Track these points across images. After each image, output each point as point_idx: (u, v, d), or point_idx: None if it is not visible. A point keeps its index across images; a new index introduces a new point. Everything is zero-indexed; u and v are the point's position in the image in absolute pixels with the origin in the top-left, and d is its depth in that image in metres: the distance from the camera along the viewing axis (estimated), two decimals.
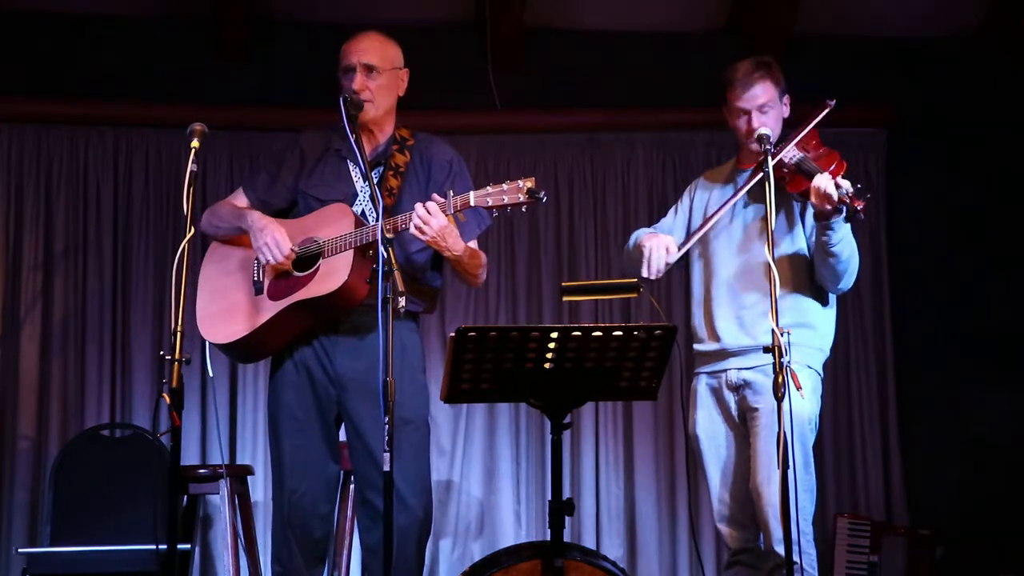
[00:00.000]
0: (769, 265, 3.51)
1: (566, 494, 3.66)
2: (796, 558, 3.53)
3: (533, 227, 6.21)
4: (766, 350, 3.44)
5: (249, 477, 5.21)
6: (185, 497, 5.02)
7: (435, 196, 3.65)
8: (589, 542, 5.94)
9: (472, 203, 3.59)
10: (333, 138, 3.93)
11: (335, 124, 3.95)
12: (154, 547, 3.61)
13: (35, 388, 5.85)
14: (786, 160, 3.88)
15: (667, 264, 3.89)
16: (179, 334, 3.35)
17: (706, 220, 3.97)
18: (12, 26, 6.05)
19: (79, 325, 5.92)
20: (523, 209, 3.61)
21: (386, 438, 3.24)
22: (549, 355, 3.43)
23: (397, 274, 3.31)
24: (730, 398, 3.97)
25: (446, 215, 3.59)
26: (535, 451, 6.08)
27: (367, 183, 3.82)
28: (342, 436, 3.89)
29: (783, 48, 6.29)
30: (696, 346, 4.10)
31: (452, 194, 3.62)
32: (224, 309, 3.80)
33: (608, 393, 3.74)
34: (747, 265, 3.95)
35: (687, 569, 6.02)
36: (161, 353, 3.37)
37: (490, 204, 3.58)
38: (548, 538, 3.54)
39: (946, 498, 5.93)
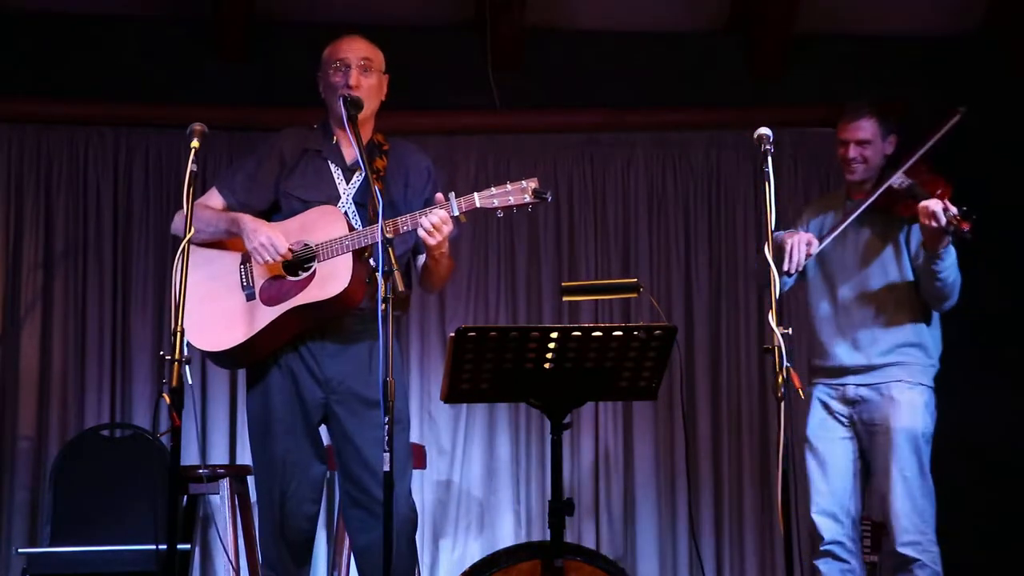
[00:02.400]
0: (888, 287, 4.15)
1: (566, 494, 3.66)
2: (919, 555, 4.08)
3: (533, 227, 6.21)
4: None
5: (249, 477, 5.20)
6: (185, 497, 5.02)
7: (439, 197, 3.65)
8: (589, 542, 5.94)
9: (477, 204, 3.60)
10: (311, 138, 3.90)
11: (311, 124, 3.95)
12: (154, 547, 3.60)
13: (35, 388, 5.85)
14: (895, 185, 4.16)
15: (808, 257, 4.16)
16: (179, 334, 3.33)
17: (835, 227, 4.22)
18: (12, 26, 6.05)
19: (79, 325, 5.92)
20: (529, 209, 3.62)
21: (386, 438, 3.23)
22: (549, 355, 3.43)
23: (397, 274, 3.30)
24: (843, 409, 4.25)
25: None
26: (535, 451, 6.08)
27: (350, 185, 3.82)
28: (325, 440, 3.87)
29: (783, 48, 6.30)
30: (815, 360, 4.39)
31: (454, 195, 3.62)
32: (214, 316, 3.74)
33: (608, 393, 3.75)
34: (862, 286, 4.25)
35: (687, 569, 6.02)
36: (161, 353, 3.36)
37: (496, 205, 3.58)
38: (548, 538, 3.55)
39: (946, 499, 5.91)
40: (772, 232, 3.56)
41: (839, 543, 4.16)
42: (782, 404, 3.38)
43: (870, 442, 4.20)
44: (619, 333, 3.43)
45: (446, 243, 3.68)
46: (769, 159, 3.61)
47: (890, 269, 4.22)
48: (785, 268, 4.08)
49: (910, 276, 4.22)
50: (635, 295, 5.67)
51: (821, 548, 4.17)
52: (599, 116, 6.28)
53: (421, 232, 3.61)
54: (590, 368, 3.48)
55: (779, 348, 3.41)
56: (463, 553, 5.98)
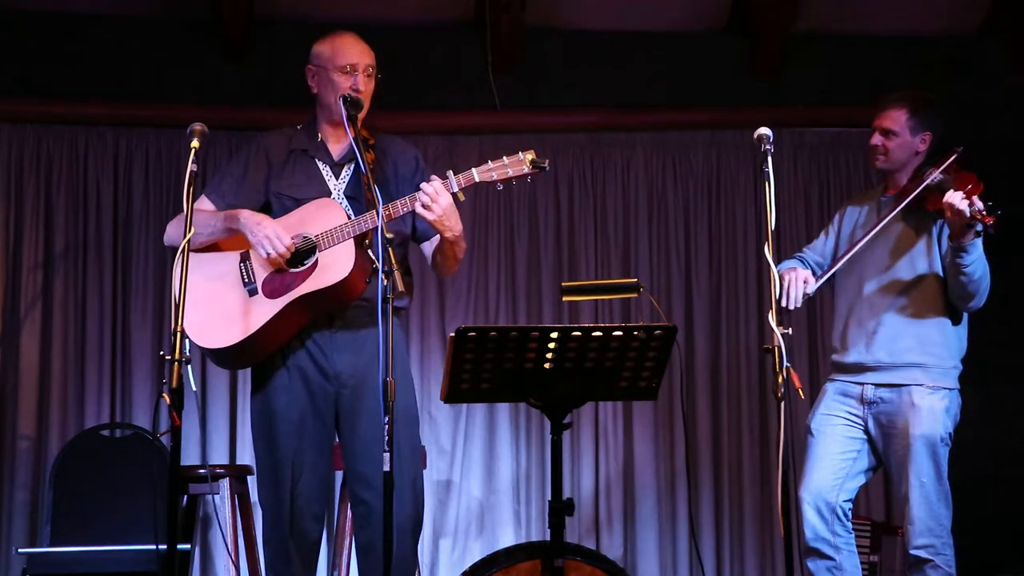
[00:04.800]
0: (916, 279, 4.13)
1: (566, 494, 3.66)
2: (932, 556, 4.06)
3: (533, 227, 6.22)
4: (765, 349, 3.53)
5: (249, 477, 5.20)
6: (185, 497, 5.02)
7: (435, 177, 3.65)
8: (589, 542, 5.94)
9: (476, 179, 3.61)
10: (296, 139, 3.91)
11: (295, 125, 3.95)
12: (154, 547, 3.60)
13: (35, 388, 5.85)
14: (927, 181, 4.15)
15: (806, 295, 4.14)
16: (179, 334, 3.33)
17: (847, 251, 4.22)
18: (12, 26, 6.05)
19: (79, 325, 5.92)
20: (528, 180, 3.62)
21: (386, 438, 3.23)
22: (549, 355, 3.43)
23: (397, 274, 3.29)
24: (858, 409, 4.23)
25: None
26: (535, 451, 6.08)
27: (339, 180, 3.83)
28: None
29: (783, 48, 6.30)
30: (834, 355, 4.38)
31: (453, 173, 3.62)
32: (218, 314, 3.74)
33: (608, 393, 3.75)
34: (889, 278, 4.22)
35: (687, 569, 6.02)
36: (161, 353, 3.36)
37: (495, 178, 3.60)
38: (548, 538, 3.55)
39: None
40: (772, 246, 3.56)
41: (823, 539, 4.14)
42: (782, 404, 3.38)
43: (885, 444, 4.17)
44: (619, 333, 3.43)
45: (454, 219, 3.66)
46: (769, 159, 3.61)
47: (919, 263, 4.19)
48: (784, 305, 4.07)
49: (940, 271, 4.18)
50: (635, 295, 5.67)
51: (808, 546, 4.17)
52: (599, 116, 6.28)
53: (419, 208, 3.61)
54: (590, 368, 3.48)
55: (779, 348, 3.41)
56: (463, 553, 5.98)
